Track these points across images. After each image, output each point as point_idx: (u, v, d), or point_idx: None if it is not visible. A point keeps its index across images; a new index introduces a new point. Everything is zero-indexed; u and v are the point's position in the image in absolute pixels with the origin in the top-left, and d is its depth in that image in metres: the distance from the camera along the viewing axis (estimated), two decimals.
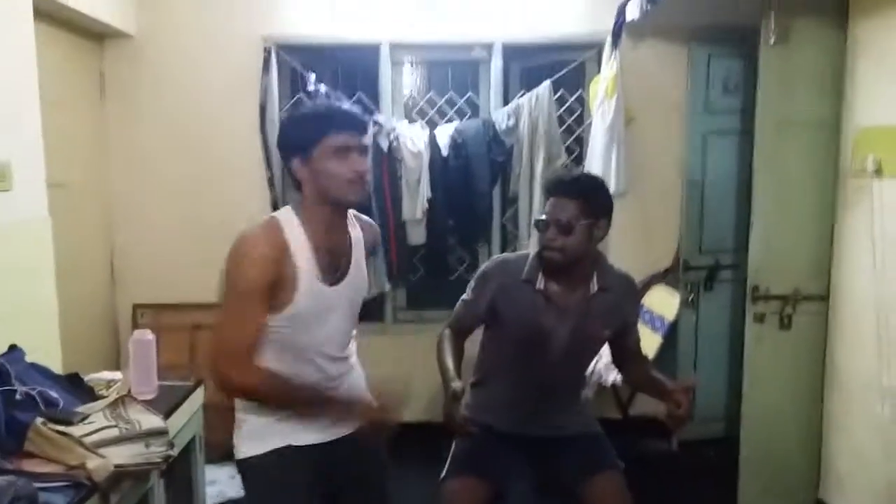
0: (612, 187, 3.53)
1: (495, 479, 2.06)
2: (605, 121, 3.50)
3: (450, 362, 2.05)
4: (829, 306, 2.91)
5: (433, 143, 3.60)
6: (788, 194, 2.92)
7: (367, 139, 1.72)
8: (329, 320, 1.76)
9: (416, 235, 3.68)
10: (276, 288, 1.66)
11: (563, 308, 2.01)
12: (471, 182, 3.64)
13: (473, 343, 2.23)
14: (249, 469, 1.80)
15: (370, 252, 1.93)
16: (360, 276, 1.82)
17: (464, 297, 2.16)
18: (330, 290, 1.73)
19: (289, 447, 1.76)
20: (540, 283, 2.01)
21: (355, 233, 1.84)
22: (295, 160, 1.70)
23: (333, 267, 1.74)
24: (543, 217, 1.97)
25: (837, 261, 2.87)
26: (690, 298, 3.64)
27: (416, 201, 3.61)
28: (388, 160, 3.60)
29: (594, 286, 2.00)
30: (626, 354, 2.21)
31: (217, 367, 1.67)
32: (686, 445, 3.67)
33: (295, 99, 3.67)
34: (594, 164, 3.60)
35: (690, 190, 3.65)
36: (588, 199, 1.94)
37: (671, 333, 3.36)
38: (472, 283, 2.15)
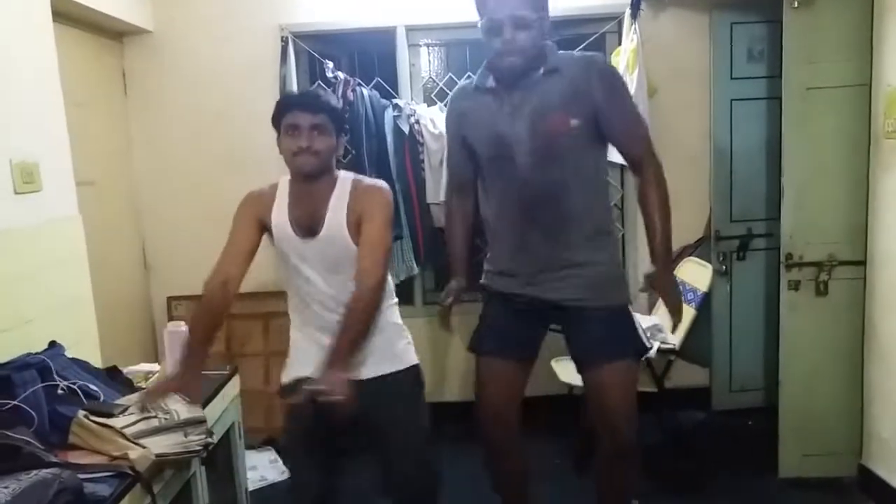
0: None
1: (524, 352, 2.11)
2: None
3: (455, 245, 2.12)
4: (867, 271, 2.85)
5: None
6: (819, 159, 2.86)
7: (320, 118, 1.96)
8: (306, 270, 2.04)
9: (442, 218, 3.67)
10: (266, 229, 2.07)
11: (517, 106, 1.86)
12: None
13: None
14: (281, 394, 2.15)
15: (362, 208, 2.02)
16: (335, 237, 2.01)
17: (447, 153, 2.16)
18: (300, 241, 2.03)
19: (297, 380, 2.03)
20: (489, 84, 1.91)
21: (337, 199, 2.03)
22: (278, 138, 2.04)
23: (305, 224, 2.03)
24: (492, 18, 1.81)
25: (874, 224, 2.80)
26: (724, 269, 3.59)
27: (439, 183, 3.59)
28: (410, 143, 3.58)
29: (541, 70, 1.83)
30: (623, 154, 1.98)
31: None
32: (724, 415, 3.66)
33: (314, 86, 3.67)
34: None
35: (718, 159, 3.59)
36: None
37: (705, 305, 3.31)
38: (446, 135, 2.16)
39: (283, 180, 2.11)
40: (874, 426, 2.86)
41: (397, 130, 3.55)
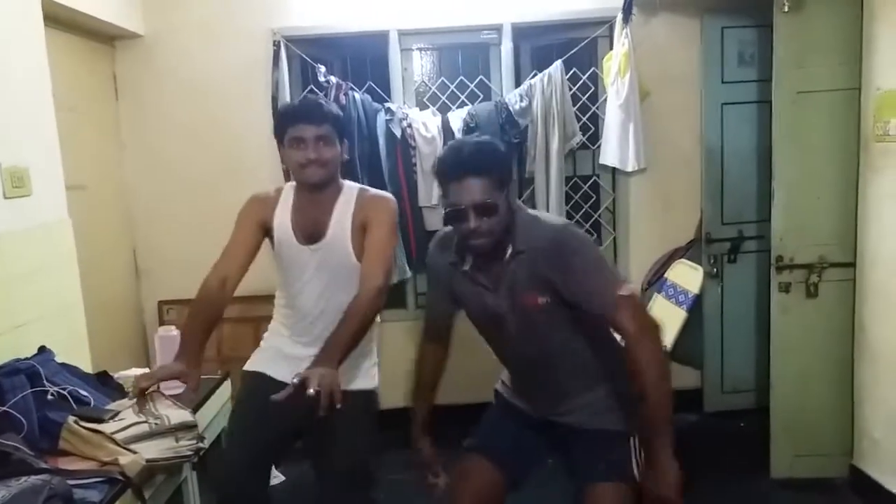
0: (630, 164, 3.53)
1: (511, 469, 1.96)
2: (619, 98, 3.46)
3: (419, 396, 2.02)
4: (857, 272, 2.87)
5: (446, 128, 3.58)
6: (810, 162, 2.88)
7: (324, 129, 2.00)
8: (303, 276, 2.07)
9: (434, 221, 3.67)
10: (268, 232, 2.11)
11: (495, 283, 1.81)
12: None
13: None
14: (241, 378, 2.21)
15: (367, 216, 2.05)
16: (337, 246, 2.05)
17: (426, 295, 2.06)
18: (301, 247, 2.06)
19: (259, 373, 2.14)
20: (467, 265, 1.83)
21: (341, 207, 2.07)
22: (281, 149, 2.07)
23: (308, 231, 2.06)
24: (455, 206, 1.70)
25: (863, 226, 2.82)
26: (714, 271, 3.61)
27: (431, 187, 3.60)
28: (402, 147, 3.58)
29: (509, 250, 1.76)
30: (601, 316, 1.72)
31: None
32: (716, 416, 3.68)
33: (306, 90, 3.67)
34: (611, 141, 3.56)
35: (709, 162, 3.61)
36: (496, 170, 1.71)
37: (696, 307, 3.32)
38: (427, 283, 2.06)
39: (289, 187, 2.15)
40: (865, 427, 2.87)
41: (389, 134, 3.56)
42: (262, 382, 2.09)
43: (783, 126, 2.87)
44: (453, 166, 1.70)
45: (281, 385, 1.93)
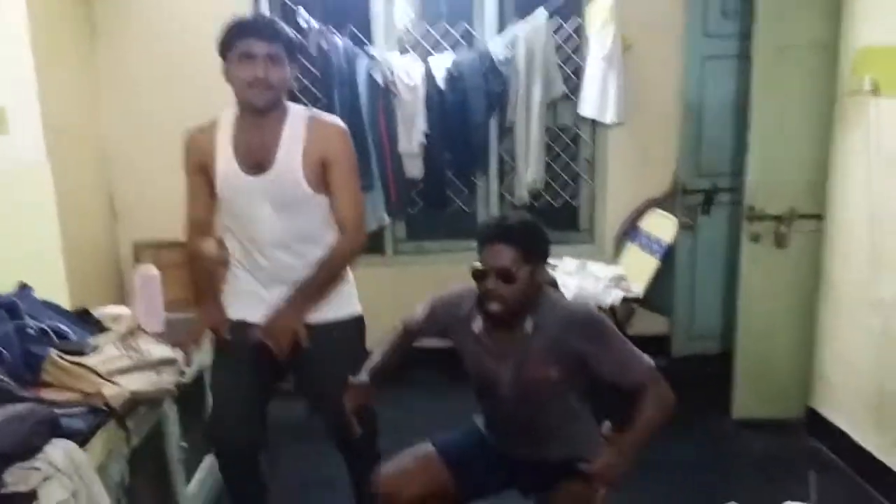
0: (609, 116, 3.55)
1: (464, 486, 1.95)
2: (601, 49, 3.46)
3: (374, 356, 1.98)
4: (825, 223, 2.95)
5: (429, 76, 3.57)
6: (786, 116, 2.93)
7: (275, 48, 1.87)
8: (253, 211, 1.96)
9: (414, 168, 3.69)
10: (208, 173, 1.99)
11: (502, 352, 1.86)
12: (467, 114, 3.62)
13: None
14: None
15: (323, 152, 1.96)
16: (285, 173, 1.94)
17: (418, 308, 2.03)
18: (247, 178, 1.94)
19: (240, 321, 2.06)
20: (476, 326, 1.88)
21: (293, 130, 1.96)
22: (223, 66, 1.92)
23: (254, 160, 1.94)
24: (480, 266, 1.79)
25: (833, 179, 2.89)
26: (688, 222, 3.67)
27: (412, 134, 3.61)
28: (384, 94, 3.57)
29: (529, 327, 1.82)
30: (625, 391, 1.82)
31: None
32: (682, 361, 3.77)
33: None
34: (590, 93, 3.57)
35: (688, 114, 3.62)
36: (528, 244, 1.78)
37: (668, 256, 3.40)
38: (425, 305, 2.02)
39: (226, 114, 2.01)
40: (823, 369, 2.99)
41: (371, 81, 3.54)
42: (236, 330, 2.05)
43: (762, 79, 2.90)
44: (491, 230, 1.81)
45: (253, 327, 2.01)
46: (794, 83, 2.90)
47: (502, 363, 1.85)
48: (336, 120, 2.06)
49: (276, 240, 1.99)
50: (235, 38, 1.87)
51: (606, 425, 1.91)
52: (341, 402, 1.87)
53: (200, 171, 2.02)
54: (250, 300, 2.05)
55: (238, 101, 1.95)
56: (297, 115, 1.99)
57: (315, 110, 2.07)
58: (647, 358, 1.83)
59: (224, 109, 2.03)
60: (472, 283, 1.83)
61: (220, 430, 2.08)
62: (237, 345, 2.04)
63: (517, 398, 1.87)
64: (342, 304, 2.10)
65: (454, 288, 1.98)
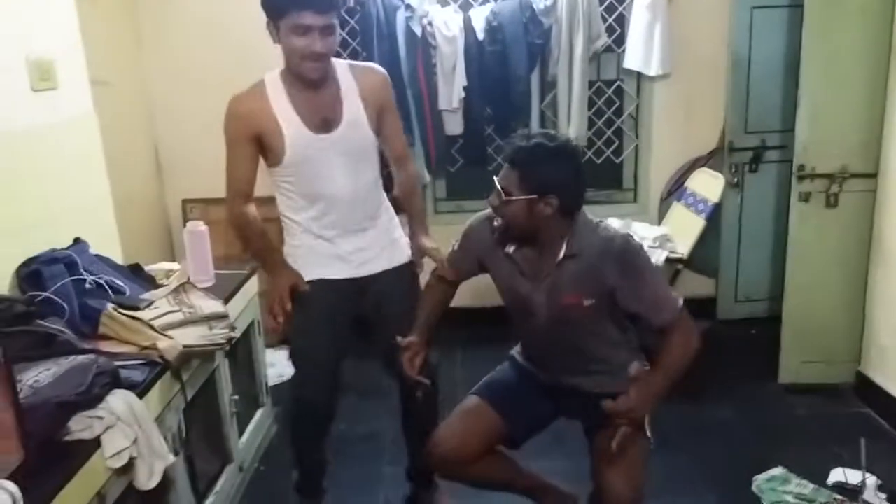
0: (654, 68, 3.47)
1: (515, 428, 1.98)
2: None
3: (420, 315, 2.02)
4: (878, 183, 2.86)
5: (468, 27, 3.50)
6: (838, 69, 2.82)
7: (331, 18, 1.85)
8: (327, 169, 1.98)
9: (454, 125, 3.65)
10: (266, 140, 1.95)
11: (534, 275, 1.86)
12: (508, 67, 3.54)
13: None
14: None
15: (378, 100, 2.04)
16: (354, 125, 1.99)
17: (453, 245, 2.03)
18: (318, 137, 1.95)
19: (320, 280, 2.06)
20: (509, 247, 1.88)
21: (346, 84, 1.99)
22: (270, 26, 1.89)
23: (320, 117, 1.95)
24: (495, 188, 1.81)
25: (889, 136, 2.79)
26: (735, 181, 3.59)
27: (451, 89, 3.56)
28: (423, 47, 3.52)
29: (561, 253, 1.80)
30: (656, 324, 1.83)
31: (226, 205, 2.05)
32: (728, 324, 3.74)
33: None
34: (636, 44, 3.48)
35: (736, 68, 3.51)
36: (527, 171, 1.75)
37: (715, 216, 3.34)
38: (456, 241, 2.02)
39: (272, 78, 1.98)
40: (874, 334, 2.93)
41: (409, 33, 3.47)
42: (317, 289, 2.06)
43: (813, 31, 2.79)
44: (508, 148, 1.80)
45: (337, 283, 2.07)
46: (848, 34, 2.78)
47: (535, 286, 1.86)
48: (375, 66, 2.15)
49: (350, 192, 2.03)
50: (291, 7, 1.82)
51: (635, 365, 1.92)
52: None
53: (250, 139, 1.96)
54: (327, 259, 2.08)
55: (289, 67, 1.94)
56: (342, 67, 2.02)
57: (350, 61, 2.11)
58: (677, 297, 1.83)
59: (267, 72, 1.99)
60: None
61: (306, 394, 2.14)
62: (317, 305, 2.06)
63: (552, 323, 1.87)
64: (398, 251, 2.18)
65: (474, 220, 1.99)
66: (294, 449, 2.26)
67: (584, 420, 1.98)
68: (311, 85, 1.94)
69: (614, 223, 3.44)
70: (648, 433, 1.83)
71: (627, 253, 1.79)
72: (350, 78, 2.01)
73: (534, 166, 1.75)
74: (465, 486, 2.03)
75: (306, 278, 2.06)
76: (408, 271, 2.19)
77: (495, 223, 1.83)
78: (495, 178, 1.81)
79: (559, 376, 1.96)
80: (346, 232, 2.06)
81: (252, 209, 2.06)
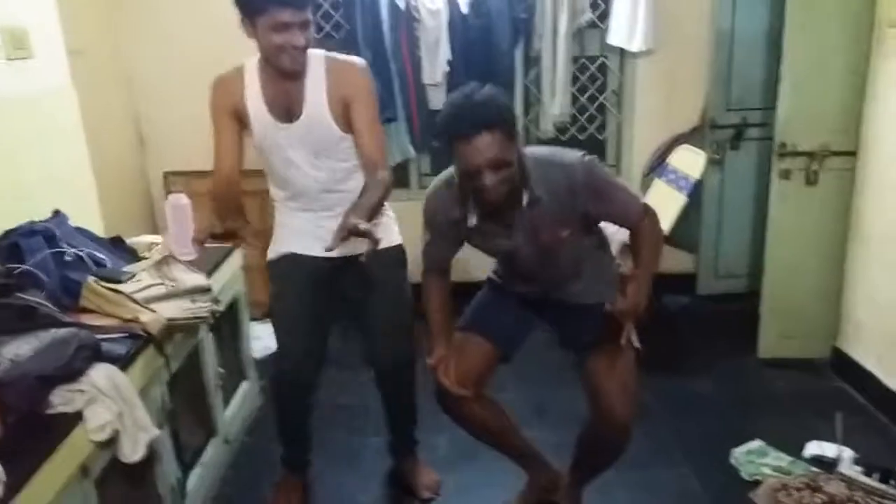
0: (637, 44, 3.46)
1: (503, 343, 2.03)
2: None
3: (434, 318, 2.02)
4: (857, 161, 2.89)
5: (452, 1, 3.47)
6: (821, 46, 2.83)
7: (308, 13, 1.89)
8: (292, 158, 2.02)
9: (438, 100, 3.63)
10: (242, 119, 2.02)
11: (508, 229, 1.84)
12: (492, 42, 3.52)
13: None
14: (269, 268, 2.19)
15: (346, 95, 1.98)
16: (315, 118, 1.99)
17: (424, 240, 2.00)
18: (281, 126, 2.00)
19: (294, 254, 2.12)
20: (472, 221, 1.82)
21: (315, 77, 1.98)
22: (245, 22, 1.90)
23: (284, 107, 1.99)
24: (470, 166, 1.66)
25: (869, 114, 2.82)
26: (717, 157, 3.61)
27: (435, 63, 3.53)
28: (406, 20, 3.48)
29: (525, 199, 1.76)
30: (625, 227, 1.92)
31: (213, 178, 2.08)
32: (708, 299, 3.79)
33: None
34: (619, 19, 3.47)
35: (719, 45, 3.51)
36: (505, 119, 1.67)
37: (696, 192, 3.36)
38: (424, 233, 1.99)
39: (251, 63, 2.02)
40: (851, 310, 2.98)
41: (393, 6, 3.44)
42: (294, 263, 2.12)
43: (796, 9, 2.80)
44: (465, 121, 1.63)
45: (316, 260, 2.07)
46: (830, 12, 2.78)
47: (513, 236, 1.86)
48: (353, 58, 2.07)
49: (317, 181, 2.05)
50: (270, 6, 1.82)
51: (619, 266, 2.01)
52: (389, 328, 2.11)
53: (232, 115, 2.02)
54: (303, 237, 2.11)
55: (272, 63, 1.94)
56: (316, 60, 2.00)
57: (331, 53, 2.05)
58: (637, 195, 1.94)
59: (249, 57, 2.02)
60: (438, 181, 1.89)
61: (284, 364, 2.17)
62: (293, 279, 2.12)
63: (536, 256, 1.90)
64: (385, 234, 2.11)
65: (429, 201, 1.92)
66: (277, 420, 2.28)
67: (565, 330, 2.05)
68: (287, 76, 1.96)
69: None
70: (636, 344, 1.88)
71: (592, 178, 1.78)
72: (321, 72, 1.99)
73: (503, 110, 1.68)
74: (470, 433, 2.10)
75: (284, 251, 2.13)
76: (392, 255, 2.17)
77: (493, 197, 1.69)
78: (471, 165, 1.65)
79: (547, 291, 2.01)
80: (321, 216, 2.08)
81: (237, 188, 2.09)
